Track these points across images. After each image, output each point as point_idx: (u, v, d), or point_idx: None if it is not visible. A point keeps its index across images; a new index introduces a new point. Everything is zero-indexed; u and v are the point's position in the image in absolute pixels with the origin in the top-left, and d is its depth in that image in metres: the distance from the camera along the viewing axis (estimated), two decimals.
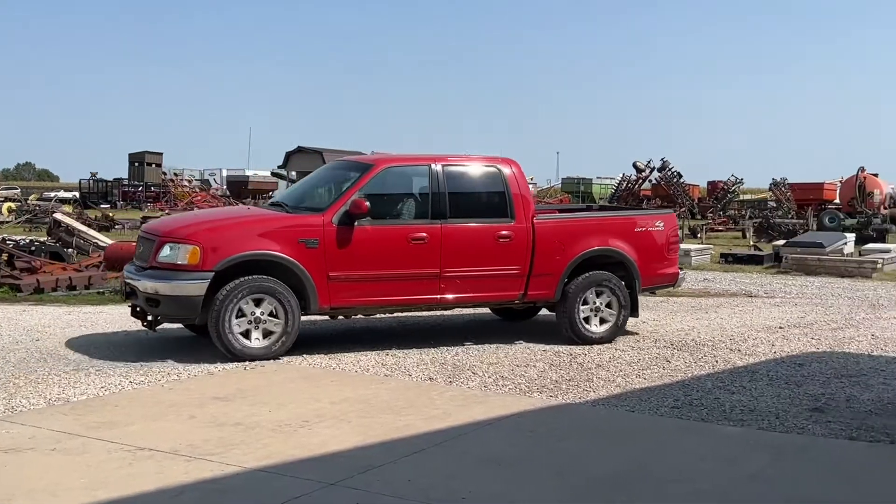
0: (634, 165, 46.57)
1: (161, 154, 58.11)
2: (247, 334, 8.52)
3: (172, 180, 56.91)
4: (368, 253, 8.91)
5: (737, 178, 47.19)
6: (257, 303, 8.52)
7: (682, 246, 20.89)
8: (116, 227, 31.24)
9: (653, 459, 5.75)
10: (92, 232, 21.20)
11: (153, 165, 56.96)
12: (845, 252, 20.49)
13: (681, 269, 10.89)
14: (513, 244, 9.46)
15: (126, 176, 57.42)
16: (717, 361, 8.97)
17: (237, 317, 8.43)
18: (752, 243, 24.37)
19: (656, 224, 10.36)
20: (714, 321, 11.47)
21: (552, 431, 6.35)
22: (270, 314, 8.57)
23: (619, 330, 10.03)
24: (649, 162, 45.73)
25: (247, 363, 8.42)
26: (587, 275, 9.81)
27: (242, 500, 4.93)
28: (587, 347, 9.56)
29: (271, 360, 8.55)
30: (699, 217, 40.41)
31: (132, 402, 7.05)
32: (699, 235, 27.70)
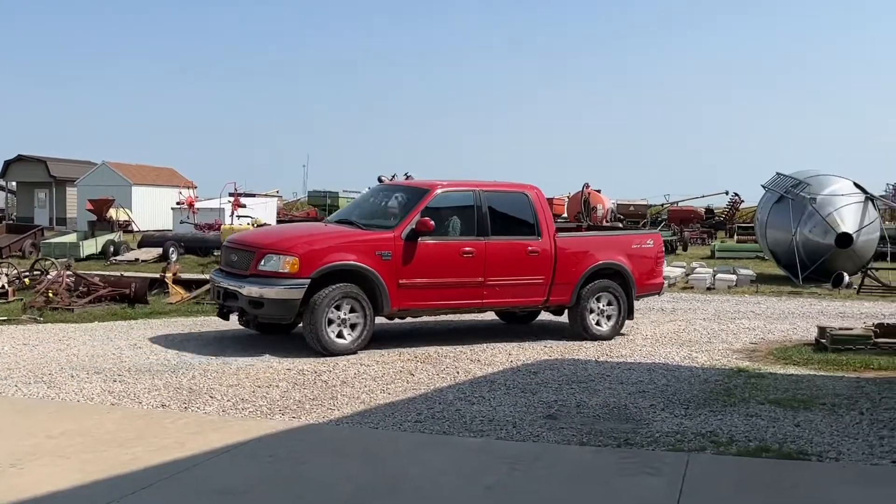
0: (379, 180, 47.20)
1: None
2: (335, 332, 9.99)
3: None
4: (429, 264, 10.48)
5: None
6: (342, 306, 9.99)
7: None
8: None
9: (396, 476, 5.68)
10: None
11: None
12: None
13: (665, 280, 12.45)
14: (539, 258, 11.18)
15: None
16: (458, 373, 9.15)
17: (329, 317, 9.88)
18: None
19: (647, 242, 12.39)
20: (455, 333, 11.73)
21: (293, 454, 6.12)
22: (352, 316, 10.05)
23: (619, 329, 11.81)
24: (393, 177, 46.59)
25: None
26: (595, 283, 11.61)
27: None
28: (332, 364, 9.43)
29: None
30: None
31: None
32: None
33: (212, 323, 12.28)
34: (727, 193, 45.99)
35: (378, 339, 10.99)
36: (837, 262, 20.12)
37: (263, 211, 34.49)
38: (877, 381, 9.02)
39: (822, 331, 11.18)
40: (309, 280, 9.79)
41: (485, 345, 10.83)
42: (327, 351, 9.83)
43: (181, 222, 30.86)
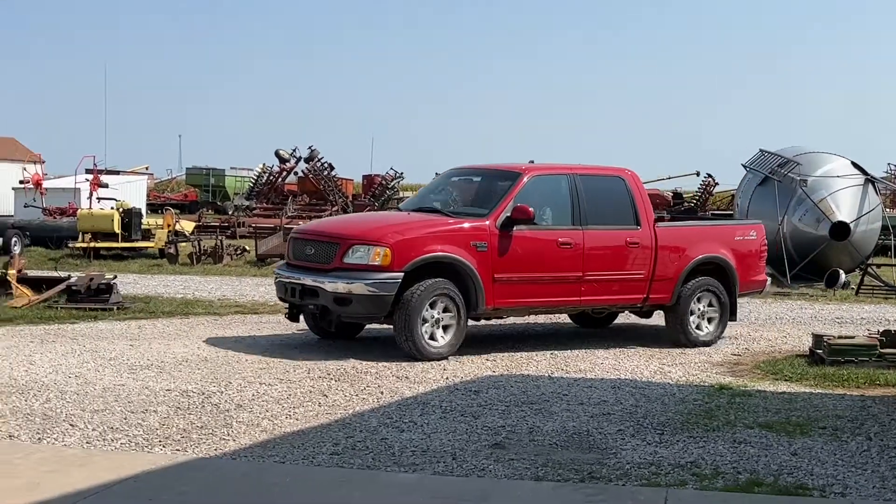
0: (277, 154, 46.90)
1: None
2: (427, 334, 10.62)
3: None
4: (525, 256, 11.10)
5: (396, 173, 49.12)
6: (434, 304, 10.56)
7: None
8: None
9: None
10: None
11: None
12: None
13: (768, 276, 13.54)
14: (639, 250, 11.79)
15: None
16: (382, 392, 9.12)
17: (422, 317, 10.46)
18: None
19: (751, 234, 13.04)
20: (374, 344, 11.68)
21: (180, 496, 6.02)
22: (445, 314, 10.67)
23: (721, 333, 12.39)
24: (294, 150, 46.26)
25: None
26: (697, 280, 12.20)
27: None
28: (223, 384, 9.30)
29: None
30: None
31: None
32: None
33: (67, 331, 12.10)
34: (698, 175, 46.71)
35: (280, 352, 10.91)
36: (832, 258, 20.58)
37: (130, 191, 33.75)
38: (885, 400, 9.26)
39: (817, 340, 11.43)
40: (402, 274, 10.39)
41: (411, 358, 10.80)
42: (422, 355, 10.48)
43: (25, 205, 30.06)
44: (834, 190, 20.93)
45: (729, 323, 12.62)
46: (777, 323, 14.71)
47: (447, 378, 9.86)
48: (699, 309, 12.21)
